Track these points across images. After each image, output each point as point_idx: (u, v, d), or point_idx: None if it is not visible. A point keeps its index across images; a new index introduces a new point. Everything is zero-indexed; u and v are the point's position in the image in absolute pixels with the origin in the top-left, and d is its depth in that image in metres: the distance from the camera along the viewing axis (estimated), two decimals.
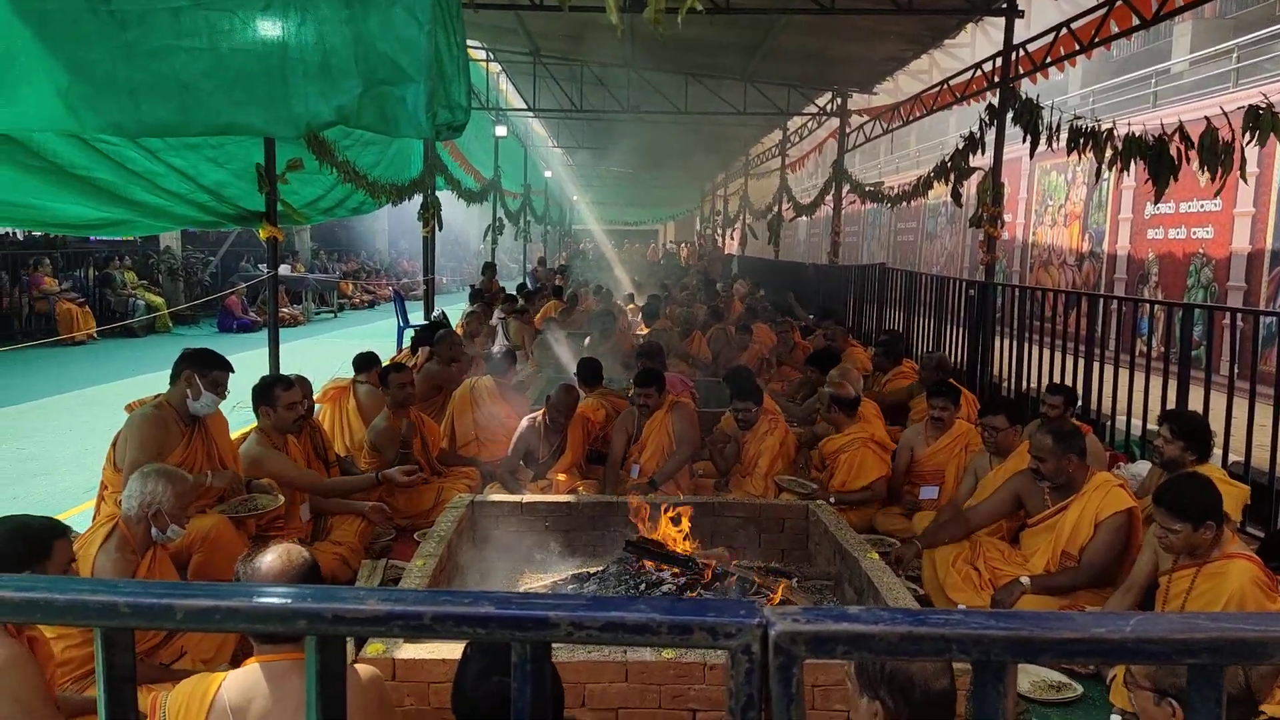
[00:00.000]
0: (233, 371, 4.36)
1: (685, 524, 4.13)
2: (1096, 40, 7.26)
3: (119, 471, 4.05)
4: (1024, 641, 0.71)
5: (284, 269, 18.57)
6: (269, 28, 3.77)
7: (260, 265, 19.51)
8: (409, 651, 2.96)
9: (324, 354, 11.86)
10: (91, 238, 16.95)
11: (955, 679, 2.14)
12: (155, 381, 4.42)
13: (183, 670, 3.06)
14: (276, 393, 4.58)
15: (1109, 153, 6.46)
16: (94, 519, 3.92)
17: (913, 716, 2.03)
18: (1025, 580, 4.03)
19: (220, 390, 4.23)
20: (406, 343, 11.44)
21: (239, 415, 4.97)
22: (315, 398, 5.56)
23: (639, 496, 4.86)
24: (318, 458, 5.20)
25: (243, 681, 2.04)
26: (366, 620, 0.73)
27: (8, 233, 16.32)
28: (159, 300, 17.03)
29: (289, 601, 0.74)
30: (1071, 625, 0.71)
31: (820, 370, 7.17)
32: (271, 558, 2.16)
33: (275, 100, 3.69)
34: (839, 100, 14.59)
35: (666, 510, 4.23)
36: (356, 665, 2.26)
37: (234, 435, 4.68)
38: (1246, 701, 2.22)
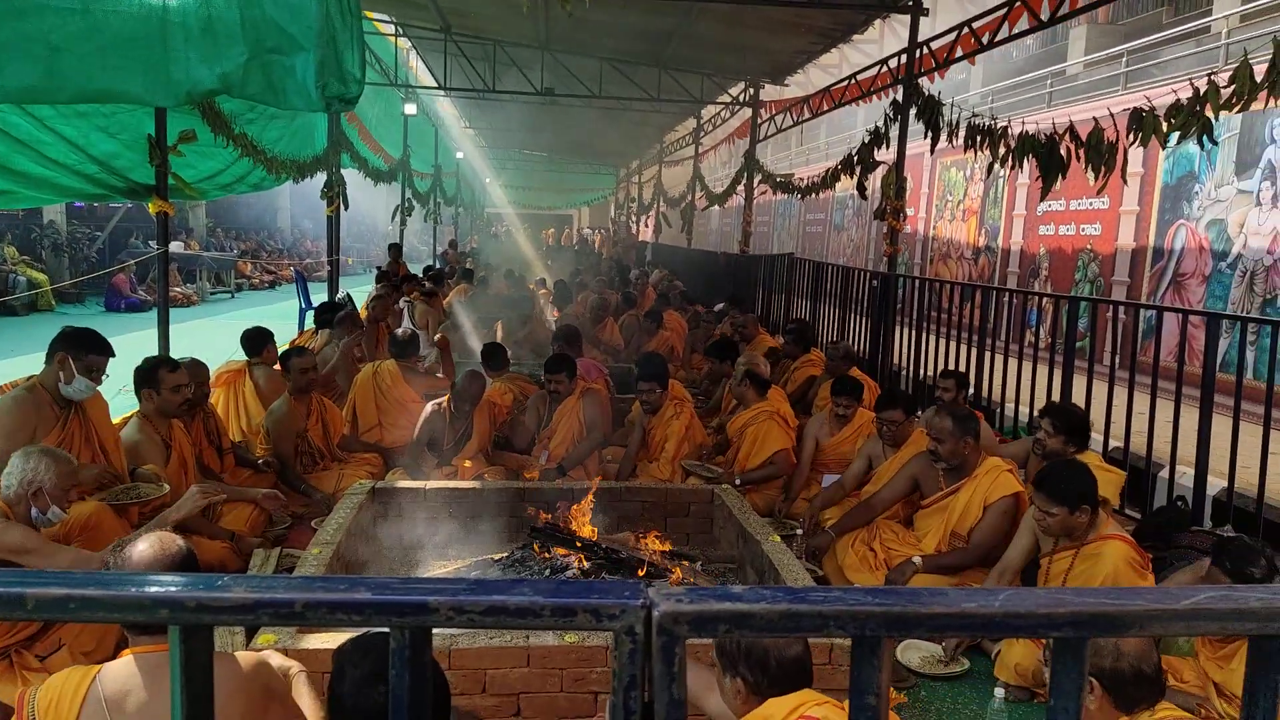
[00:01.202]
0: (113, 356, 4.11)
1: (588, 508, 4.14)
2: (996, 40, 7.52)
3: None
4: (898, 617, 0.72)
5: (177, 246, 17.76)
6: None
7: (150, 242, 18.61)
8: (309, 641, 2.88)
9: (219, 336, 11.39)
10: None
11: (808, 644, 2.22)
12: (36, 362, 4.17)
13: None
14: (161, 374, 4.37)
15: (1002, 150, 6.71)
16: None
17: (771, 685, 2.10)
18: (917, 560, 4.18)
19: (95, 376, 3.99)
20: (309, 324, 11.10)
21: (126, 400, 4.74)
22: (210, 383, 5.32)
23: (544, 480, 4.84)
24: (210, 445, 5.01)
25: (119, 674, 1.95)
26: (232, 609, 0.69)
27: None
28: (41, 277, 16.10)
29: (149, 590, 0.71)
30: (944, 601, 0.73)
31: (719, 360, 7.22)
32: (144, 546, 2.05)
33: (154, 66, 3.48)
34: (751, 90, 14.75)
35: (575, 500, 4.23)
36: (239, 654, 2.17)
37: (117, 420, 4.45)
38: (1156, 681, 2.34)
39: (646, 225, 27.14)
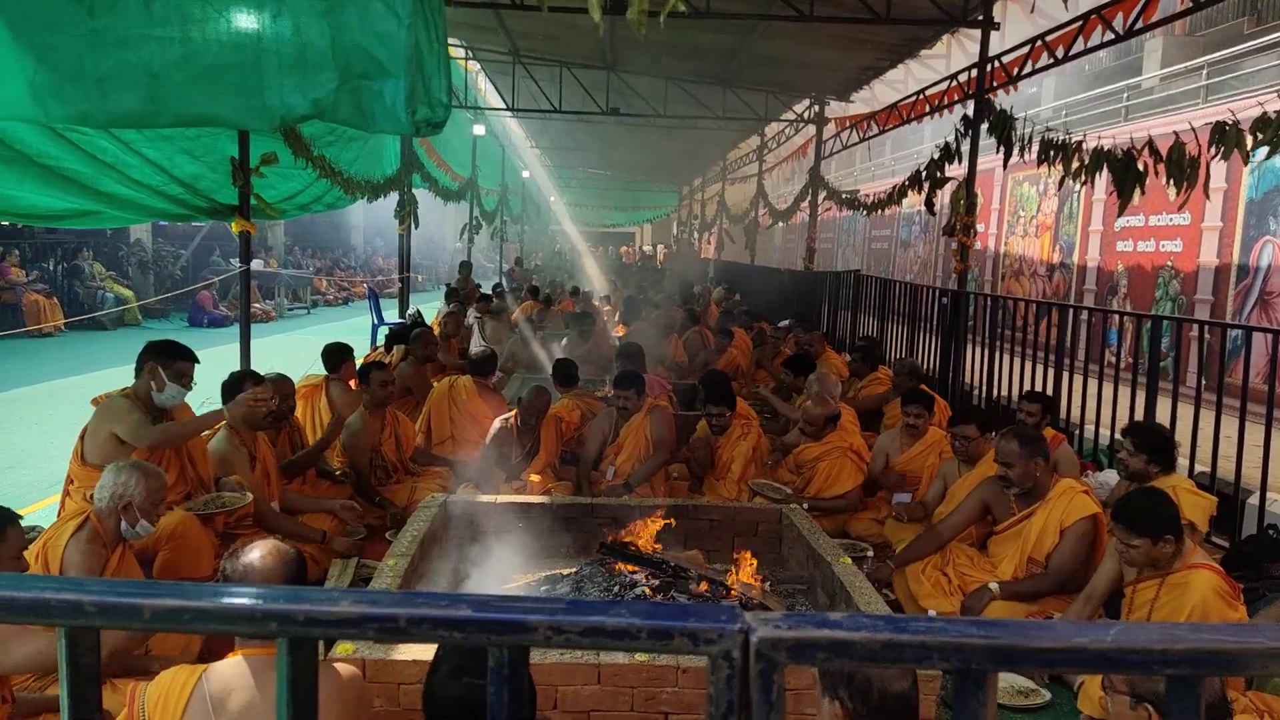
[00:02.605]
0: (198, 362, 4.27)
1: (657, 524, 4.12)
2: (1070, 54, 7.35)
3: (85, 466, 3.98)
4: (1005, 650, 0.70)
5: (257, 264, 18.35)
6: (243, 19, 3.70)
7: (232, 260, 19.27)
8: (379, 652, 2.92)
9: (296, 350, 11.72)
10: (59, 228, 16.66)
11: (917, 682, 2.15)
12: (123, 375, 4.33)
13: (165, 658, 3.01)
14: (246, 388, 4.52)
15: (1076, 164, 6.53)
16: (59, 514, 3.85)
17: (871, 717, 2.04)
18: (994, 586, 4.06)
19: (185, 381, 4.15)
20: (380, 340, 11.36)
21: (208, 411, 4.89)
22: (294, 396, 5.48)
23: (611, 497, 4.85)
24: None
25: (224, 674, 2.02)
26: (340, 622, 0.71)
27: None
28: (128, 293, 16.77)
29: (260, 603, 0.72)
30: (1053, 634, 0.71)
31: (796, 374, 7.20)
32: (259, 554, 2.13)
33: (249, 92, 3.62)
34: (816, 107, 14.67)
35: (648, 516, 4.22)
36: (336, 664, 2.23)
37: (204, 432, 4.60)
38: (1220, 707, 2.25)
39: (709, 242, 27.12)
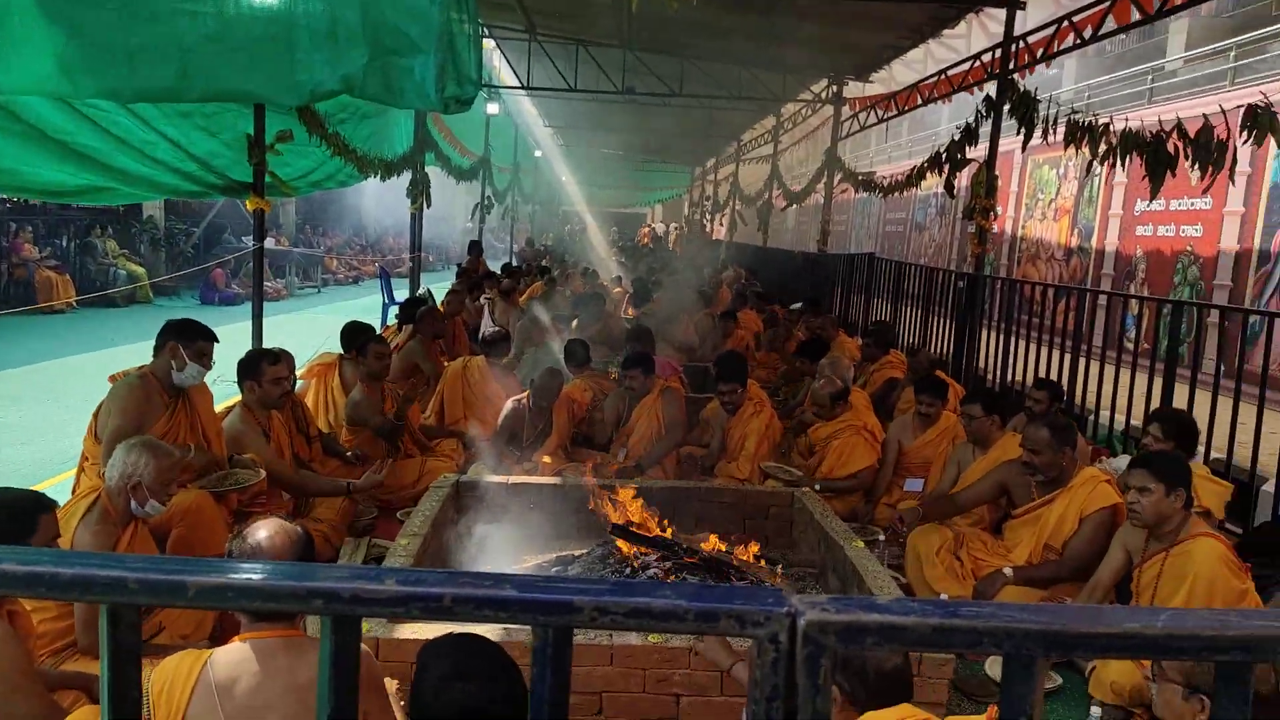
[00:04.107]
0: (217, 341, 4.30)
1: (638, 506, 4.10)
2: (1097, 34, 7.26)
3: (99, 443, 4.00)
4: (1057, 635, 0.70)
5: (269, 242, 18.34)
6: None
7: (244, 238, 19.29)
8: (400, 632, 2.95)
9: (307, 329, 11.76)
10: (72, 204, 16.70)
11: (909, 657, 2.15)
12: (136, 352, 4.36)
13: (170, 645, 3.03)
14: (263, 367, 4.53)
15: (1104, 148, 6.46)
16: (74, 490, 3.88)
17: (870, 697, 2.05)
18: (1008, 571, 4.06)
19: (205, 361, 4.17)
20: (391, 320, 11.36)
21: (221, 388, 4.91)
22: (300, 373, 5.49)
23: (594, 479, 4.85)
24: (299, 433, 5.16)
25: (230, 658, 2.01)
26: (386, 601, 0.71)
27: None
28: (140, 270, 16.83)
29: (306, 580, 0.72)
30: (1105, 620, 0.70)
31: (810, 360, 7.18)
32: (267, 534, 2.12)
33: (280, 67, 3.62)
34: (834, 88, 14.55)
35: (627, 494, 4.21)
36: None
37: (218, 409, 4.62)
38: (1277, 702, 2.24)
39: (721, 224, 27.00)
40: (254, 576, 0.72)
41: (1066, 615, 0.70)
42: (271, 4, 3.61)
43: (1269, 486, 5.02)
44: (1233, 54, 11.42)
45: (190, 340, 4.11)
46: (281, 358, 4.72)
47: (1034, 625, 0.69)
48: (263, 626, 2.03)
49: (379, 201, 24.15)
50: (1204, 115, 5.65)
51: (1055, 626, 0.69)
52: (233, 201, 18.29)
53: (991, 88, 8.26)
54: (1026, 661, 0.71)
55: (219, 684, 1.98)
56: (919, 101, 11.49)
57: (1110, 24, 7.01)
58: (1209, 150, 5.37)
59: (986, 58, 9.18)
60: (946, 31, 10.93)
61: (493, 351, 6.61)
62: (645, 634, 3.00)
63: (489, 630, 2.83)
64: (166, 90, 3.74)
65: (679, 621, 0.71)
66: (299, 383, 5.66)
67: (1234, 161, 5.58)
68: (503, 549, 4.42)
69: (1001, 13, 8.32)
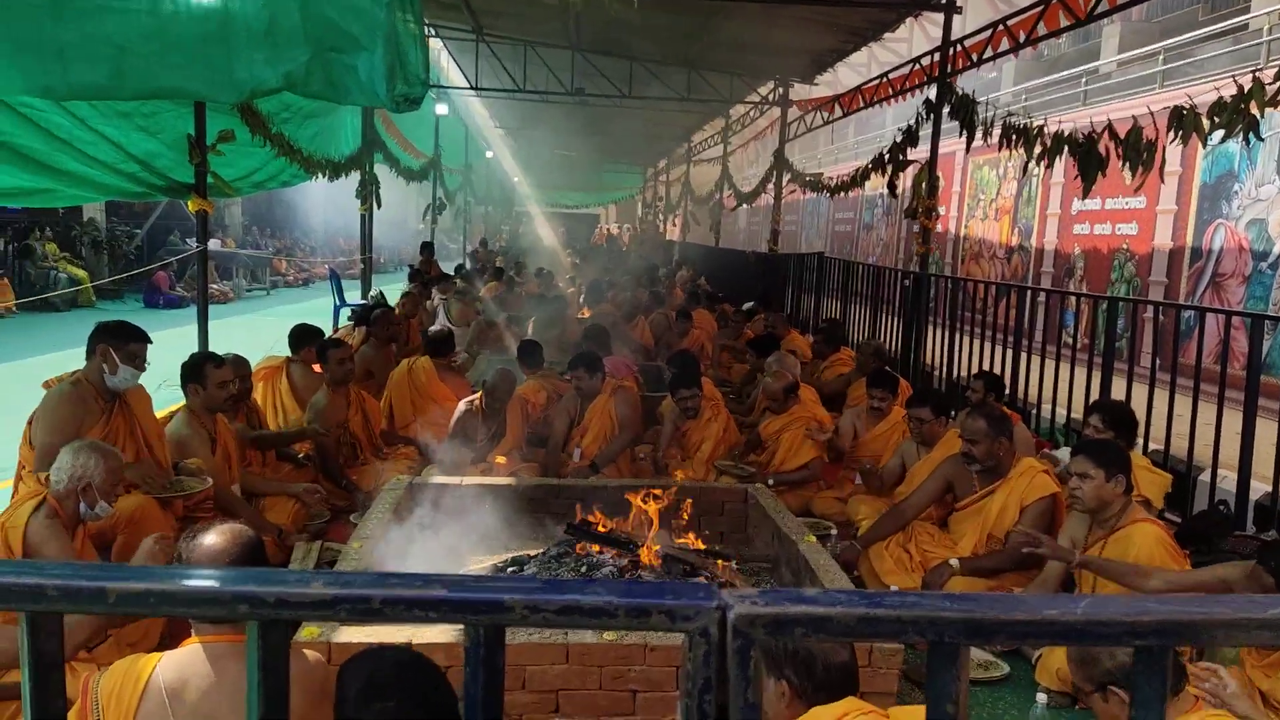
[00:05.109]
0: (150, 342, 4.18)
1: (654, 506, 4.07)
2: (1031, 38, 7.43)
3: (35, 450, 3.89)
4: (978, 623, 0.71)
5: (214, 244, 17.97)
6: None
7: (189, 239, 18.89)
8: (346, 635, 2.90)
9: (256, 332, 11.52)
10: (11, 207, 16.18)
11: (855, 650, 2.17)
12: (77, 358, 4.23)
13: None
14: (207, 370, 4.42)
15: (1039, 149, 6.62)
16: (13, 498, 3.76)
17: (817, 690, 2.06)
18: (954, 562, 4.13)
19: (138, 363, 4.06)
20: (343, 322, 11.21)
21: (167, 394, 4.80)
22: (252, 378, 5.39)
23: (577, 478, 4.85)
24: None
25: (179, 662, 1.97)
26: (312, 604, 0.70)
27: None
28: (82, 274, 16.36)
29: (229, 585, 0.71)
30: (1024, 608, 0.72)
31: (759, 354, 7.25)
32: (214, 537, 2.08)
33: (216, 65, 3.55)
34: (780, 90, 14.68)
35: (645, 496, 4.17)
36: (304, 649, 2.20)
37: (162, 414, 4.51)
38: (1178, 672, 2.31)
39: (674, 224, 27.12)
40: (177, 582, 0.70)
41: (986, 603, 0.71)
42: (207, 2, 3.54)
43: (1205, 476, 5.18)
44: (1161, 58, 11.75)
45: (122, 342, 4.00)
46: (228, 362, 4.62)
47: (955, 614, 0.70)
48: (212, 630, 1.99)
49: (329, 202, 23.80)
50: (1133, 117, 5.81)
51: (976, 615, 0.70)
52: (177, 203, 17.91)
53: (932, 90, 8.40)
54: (950, 649, 0.72)
55: (169, 688, 1.94)
56: (862, 104, 11.64)
57: (1044, 29, 7.18)
58: (1139, 150, 5.53)
59: (926, 61, 9.33)
60: (888, 35, 11.10)
61: (438, 351, 6.54)
62: (601, 632, 2.99)
63: (429, 632, 2.81)
64: (101, 88, 3.64)
65: (609, 618, 0.71)
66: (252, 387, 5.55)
67: (1163, 161, 5.75)
68: (457, 551, 4.38)
69: (940, 17, 8.47)
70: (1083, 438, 4.50)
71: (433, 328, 7.62)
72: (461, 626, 0.74)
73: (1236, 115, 4.72)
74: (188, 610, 0.71)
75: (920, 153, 8.70)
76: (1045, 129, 6.58)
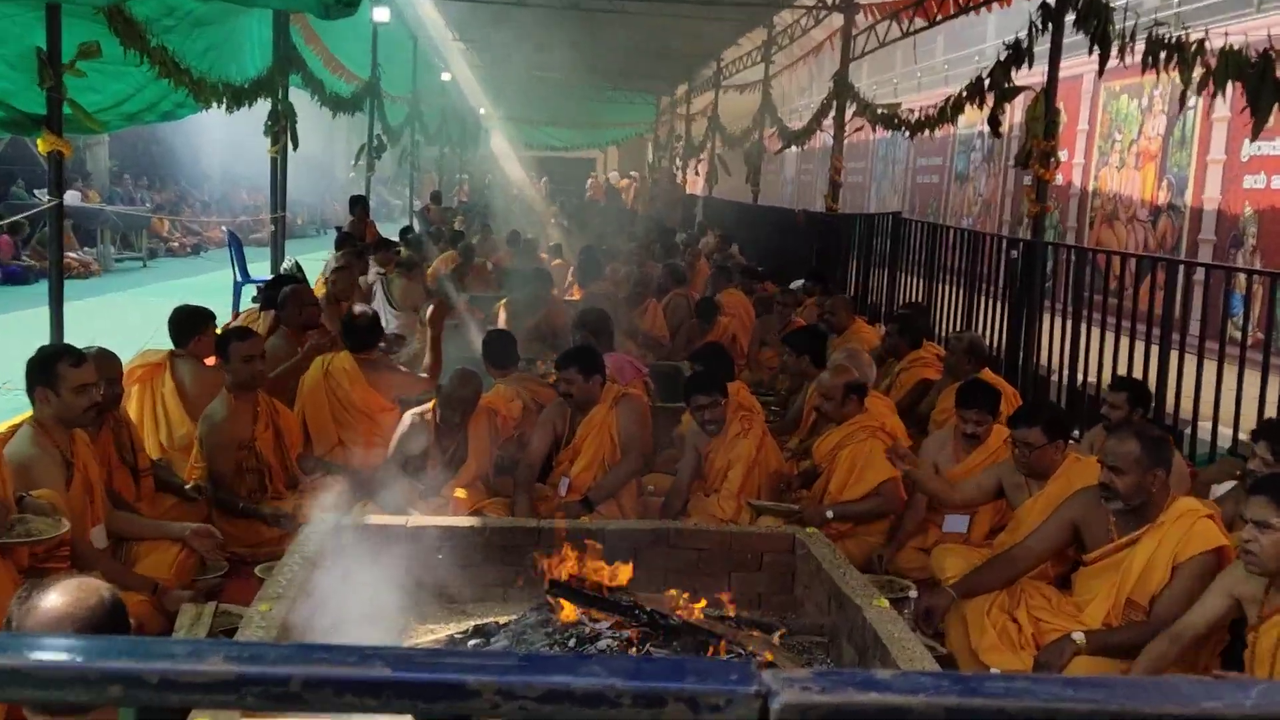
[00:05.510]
0: None
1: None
2: None
3: None
4: (1113, 717, 0.71)
5: (72, 197, 18.08)
6: None
7: (37, 191, 18.96)
8: None
9: (128, 318, 11.58)
10: None
11: None
12: None
13: None
14: (61, 369, 4.43)
15: (1198, 71, 6.59)
16: None
17: None
18: (1078, 637, 4.12)
19: None
20: (246, 304, 11.26)
21: (9, 400, 4.84)
22: (123, 380, 5.41)
23: (566, 520, 4.85)
24: (123, 463, 5.08)
25: None
26: (208, 686, 0.70)
27: None
28: None
29: (93, 660, 0.71)
30: (1176, 696, 0.72)
31: (798, 355, 7.12)
32: (55, 597, 2.08)
33: None
34: None
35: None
36: None
37: (2, 426, 4.54)
38: None
39: (697, 173, 27.13)
40: (17, 658, 0.70)
41: (1123, 691, 0.72)
42: None
43: None
44: None
45: None
46: (90, 358, 4.64)
47: (1083, 705, 0.71)
48: None
49: (228, 142, 23.84)
50: None
51: (1111, 706, 0.71)
52: (21, 142, 17.99)
53: None
54: None
55: None
56: (954, 10, 11.62)
57: None
58: None
59: None
60: None
61: (361, 344, 6.54)
62: None
63: None
64: None
65: (611, 706, 0.72)
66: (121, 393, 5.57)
67: None
68: (400, 617, 4.40)
69: None
70: (1245, 471, 4.48)
71: (357, 306, 7.59)
72: (409, 718, 0.74)
73: None
74: (37, 694, 0.71)
75: (1034, 77, 8.67)
76: (1207, 44, 6.55)
